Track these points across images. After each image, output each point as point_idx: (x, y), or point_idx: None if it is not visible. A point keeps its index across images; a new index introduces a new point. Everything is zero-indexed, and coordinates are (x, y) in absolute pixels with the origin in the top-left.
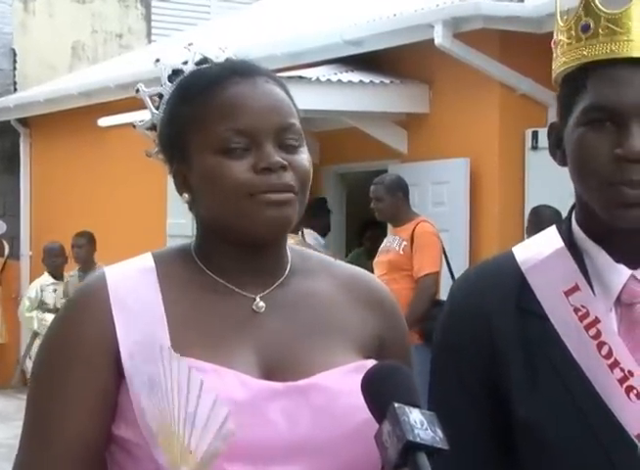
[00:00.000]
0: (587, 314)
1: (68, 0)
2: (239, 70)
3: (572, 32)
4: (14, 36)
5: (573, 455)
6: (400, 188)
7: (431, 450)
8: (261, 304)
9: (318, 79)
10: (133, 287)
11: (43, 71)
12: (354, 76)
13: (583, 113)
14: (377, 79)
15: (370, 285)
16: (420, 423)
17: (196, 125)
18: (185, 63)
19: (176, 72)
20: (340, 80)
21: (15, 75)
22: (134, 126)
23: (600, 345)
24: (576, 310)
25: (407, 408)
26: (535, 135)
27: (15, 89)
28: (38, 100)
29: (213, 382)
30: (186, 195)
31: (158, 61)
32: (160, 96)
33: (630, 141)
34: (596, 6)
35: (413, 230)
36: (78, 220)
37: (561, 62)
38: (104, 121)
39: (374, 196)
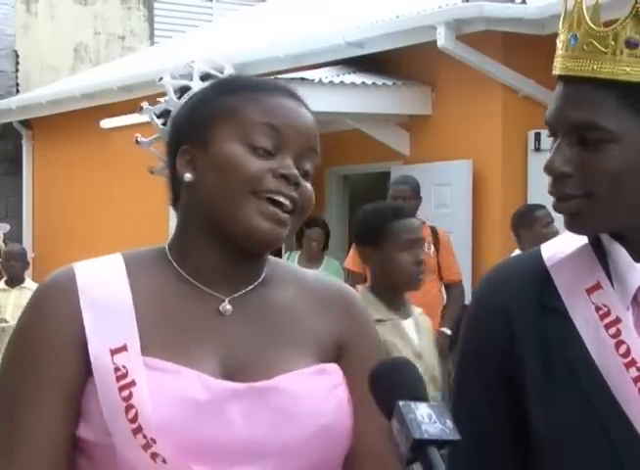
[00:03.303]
0: (608, 313)
1: (70, 2)
2: (289, 91)
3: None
4: (16, 38)
5: (584, 453)
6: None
7: (441, 443)
8: (228, 306)
9: (321, 81)
10: (102, 283)
11: (45, 73)
12: (357, 78)
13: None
14: (379, 81)
15: (335, 291)
16: (428, 417)
17: (231, 113)
18: (221, 72)
19: (208, 75)
20: (342, 82)
21: (17, 77)
22: (141, 109)
23: (618, 343)
24: (598, 309)
25: (413, 405)
26: (538, 137)
27: (17, 91)
28: (41, 102)
29: (174, 382)
30: (189, 175)
31: (192, 62)
32: (184, 89)
33: (550, 157)
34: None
35: (433, 233)
36: (81, 222)
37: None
38: (106, 123)
39: (401, 195)
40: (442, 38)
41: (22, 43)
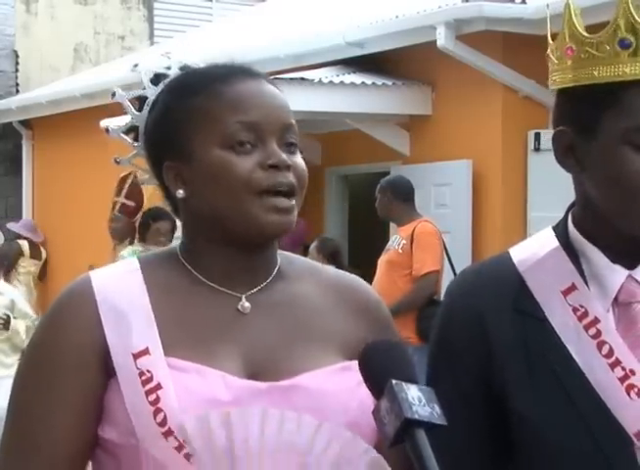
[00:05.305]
0: (586, 314)
1: (70, 2)
2: (244, 70)
3: (607, 46)
4: (16, 38)
5: (571, 455)
6: (390, 188)
7: (429, 426)
8: (247, 304)
9: (321, 81)
10: (119, 288)
11: (45, 73)
12: (357, 78)
13: (628, 132)
14: (379, 81)
15: (355, 289)
16: (418, 399)
17: (202, 118)
18: (168, 68)
19: (158, 76)
20: (342, 82)
21: (17, 77)
22: (107, 131)
23: (600, 344)
24: (575, 310)
25: (405, 385)
26: (538, 137)
27: (17, 91)
28: (40, 102)
29: (197, 382)
30: (181, 191)
31: (136, 66)
32: (142, 99)
33: None
34: (637, 22)
35: (413, 230)
36: (80, 222)
37: (587, 74)
38: (106, 123)
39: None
40: (442, 38)
41: (22, 43)
